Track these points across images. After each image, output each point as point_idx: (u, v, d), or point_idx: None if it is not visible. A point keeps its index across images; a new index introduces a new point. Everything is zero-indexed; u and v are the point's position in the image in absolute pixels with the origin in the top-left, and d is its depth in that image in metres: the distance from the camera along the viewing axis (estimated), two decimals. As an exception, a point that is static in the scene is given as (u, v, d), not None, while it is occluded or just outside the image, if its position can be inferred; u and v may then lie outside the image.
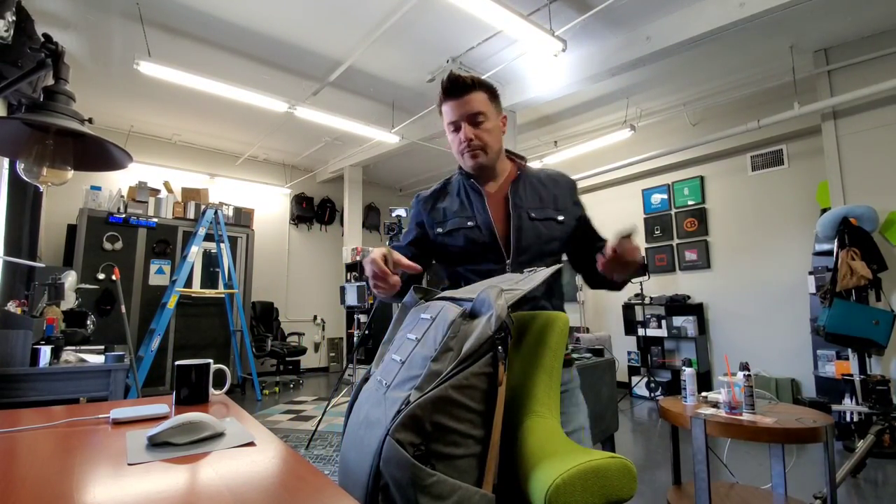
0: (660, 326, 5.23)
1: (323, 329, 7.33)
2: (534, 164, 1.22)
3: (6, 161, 2.85)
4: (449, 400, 0.61)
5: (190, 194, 5.77)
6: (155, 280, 5.19)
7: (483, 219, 1.08)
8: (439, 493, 0.56)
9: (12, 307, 2.42)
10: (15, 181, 3.10)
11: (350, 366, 5.15)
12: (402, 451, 0.57)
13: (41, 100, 0.86)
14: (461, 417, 0.61)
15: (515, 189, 1.12)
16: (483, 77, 1.10)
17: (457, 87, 1.05)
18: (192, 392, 1.03)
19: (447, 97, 1.07)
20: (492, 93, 1.10)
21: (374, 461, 0.58)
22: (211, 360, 1.08)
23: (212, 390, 1.07)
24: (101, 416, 0.91)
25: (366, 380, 0.81)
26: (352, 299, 5.62)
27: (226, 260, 5.36)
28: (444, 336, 0.67)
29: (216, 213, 5.25)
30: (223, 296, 5.44)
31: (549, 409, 0.70)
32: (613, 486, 0.57)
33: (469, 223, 1.10)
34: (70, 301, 2.84)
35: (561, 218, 1.11)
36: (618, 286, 1.09)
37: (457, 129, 1.08)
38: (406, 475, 0.56)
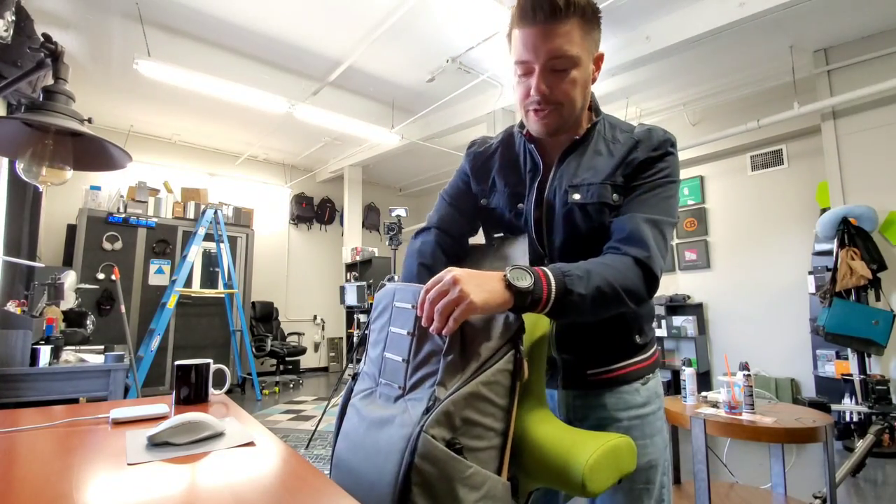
0: (660, 326, 5.23)
1: (323, 329, 7.33)
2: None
3: (6, 161, 2.85)
4: (478, 395, 0.62)
5: (189, 194, 5.76)
6: (154, 280, 5.19)
7: (528, 209, 0.85)
8: (475, 484, 0.59)
9: (12, 307, 2.42)
10: (14, 181, 3.09)
11: (350, 366, 5.15)
12: (439, 446, 0.58)
13: (41, 100, 0.86)
14: (486, 412, 0.63)
15: (566, 157, 0.83)
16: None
17: (540, 7, 0.71)
18: (191, 392, 1.03)
19: (523, 22, 0.73)
20: (589, 21, 0.77)
21: (406, 458, 0.58)
22: (211, 360, 1.08)
23: (211, 390, 1.07)
24: (100, 415, 0.91)
25: (355, 380, 0.79)
26: (351, 299, 5.62)
27: (225, 260, 5.36)
28: None
29: (216, 212, 5.24)
30: (223, 296, 5.44)
31: (538, 398, 0.75)
32: (624, 461, 0.66)
33: (519, 205, 0.86)
34: (70, 301, 2.84)
35: (616, 197, 0.78)
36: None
37: (524, 70, 0.77)
38: (445, 469, 0.58)
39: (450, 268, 0.64)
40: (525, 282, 0.64)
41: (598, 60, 0.84)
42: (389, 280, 3.55)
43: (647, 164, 0.79)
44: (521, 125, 0.89)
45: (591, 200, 0.79)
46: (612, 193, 0.79)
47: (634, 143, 0.80)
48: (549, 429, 0.70)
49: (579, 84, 0.78)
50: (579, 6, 0.74)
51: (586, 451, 0.63)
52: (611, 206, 0.79)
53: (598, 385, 0.84)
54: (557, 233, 0.82)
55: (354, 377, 0.80)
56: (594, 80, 0.83)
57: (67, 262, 4.85)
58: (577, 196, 0.80)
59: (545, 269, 0.67)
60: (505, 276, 0.64)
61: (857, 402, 3.30)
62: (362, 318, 5.87)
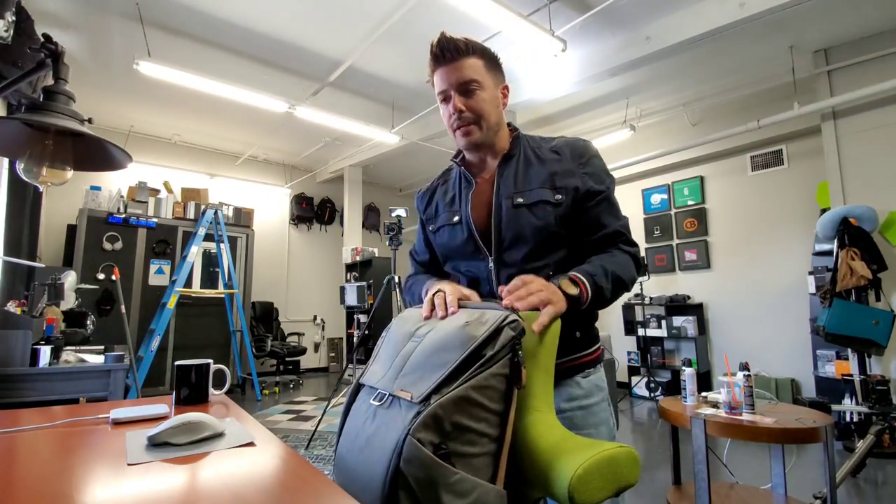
0: (659, 326, 5.23)
1: (323, 329, 7.33)
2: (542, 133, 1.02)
3: (6, 161, 2.85)
4: (469, 400, 0.61)
5: (190, 194, 5.77)
6: (155, 280, 5.19)
7: (465, 213, 0.97)
8: (461, 491, 0.57)
9: (12, 307, 2.42)
10: (15, 181, 3.10)
11: (350, 366, 5.14)
12: (424, 451, 0.57)
13: (41, 100, 0.86)
14: (479, 417, 0.62)
15: (503, 170, 0.97)
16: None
17: (447, 51, 0.92)
18: (191, 392, 1.03)
19: (437, 63, 0.94)
20: (489, 59, 0.96)
21: (393, 461, 0.58)
22: (211, 361, 1.08)
23: (212, 390, 1.07)
24: (100, 416, 0.91)
25: (360, 387, 0.80)
26: (351, 299, 5.62)
27: (225, 260, 5.36)
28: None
29: (216, 213, 5.25)
30: (223, 296, 5.44)
31: (547, 405, 0.72)
32: (623, 472, 0.62)
33: (455, 218, 0.99)
34: (70, 301, 2.84)
35: (558, 197, 0.92)
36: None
37: (446, 99, 0.95)
38: (430, 474, 0.57)
39: (533, 276, 0.77)
40: (574, 289, 0.79)
41: (504, 90, 1.00)
42: (389, 280, 3.55)
43: (587, 172, 0.95)
44: (455, 156, 1.05)
45: (533, 201, 0.93)
46: (553, 195, 0.92)
47: (556, 154, 0.97)
48: (548, 436, 0.67)
49: (488, 102, 0.94)
50: (477, 47, 0.93)
51: (577, 459, 0.59)
52: (552, 203, 0.92)
53: None
54: (507, 231, 0.93)
55: (357, 387, 0.80)
56: (504, 106, 1.00)
57: (67, 262, 4.85)
58: (520, 199, 0.93)
59: (576, 274, 0.82)
60: (560, 287, 0.78)
61: (857, 403, 3.30)
62: (362, 318, 5.86)
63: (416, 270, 1.13)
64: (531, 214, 0.91)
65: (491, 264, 0.94)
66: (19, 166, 0.94)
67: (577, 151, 0.97)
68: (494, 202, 0.94)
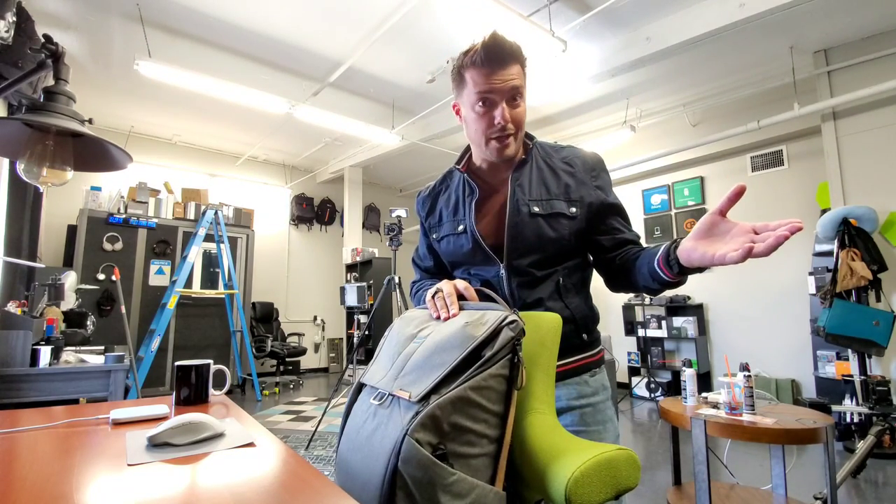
0: (660, 327, 5.23)
1: (323, 329, 7.33)
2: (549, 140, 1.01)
3: (6, 161, 2.85)
4: (467, 400, 0.61)
5: (190, 195, 5.77)
6: (155, 280, 5.20)
7: (469, 223, 0.96)
8: (459, 492, 0.57)
9: (12, 307, 2.42)
10: (15, 181, 3.10)
11: (350, 366, 5.14)
12: (422, 451, 0.57)
13: (41, 100, 0.86)
14: (477, 418, 0.62)
15: (518, 176, 0.95)
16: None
17: (501, 54, 0.85)
18: (192, 392, 1.03)
19: (488, 63, 0.85)
20: (525, 67, 0.92)
21: (391, 461, 0.58)
22: (211, 361, 1.08)
23: (212, 391, 1.07)
24: (100, 416, 0.91)
25: (361, 386, 0.80)
26: (352, 300, 5.62)
27: (226, 260, 5.36)
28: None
29: (216, 213, 5.25)
30: (223, 296, 5.44)
31: (548, 406, 0.72)
32: (622, 475, 0.61)
33: (459, 227, 0.98)
34: (70, 301, 2.84)
35: (573, 210, 0.93)
36: (671, 285, 0.84)
37: (487, 103, 0.87)
38: (427, 474, 0.57)
39: None
40: None
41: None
42: (389, 280, 3.55)
43: (598, 186, 0.96)
44: (458, 161, 1.03)
45: (549, 212, 0.93)
46: (568, 207, 0.93)
47: (569, 167, 0.97)
48: (546, 437, 0.67)
49: (525, 112, 0.92)
50: (522, 54, 0.90)
51: (575, 461, 0.59)
52: (568, 216, 0.93)
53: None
54: (521, 239, 0.92)
55: (360, 385, 0.80)
56: None
57: (68, 262, 4.85)
58: (536, 209, 0.93)
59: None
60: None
61: (857, 403, 3.30)
62: (362, 318, 5.87)
63: (421, 277, 1.12)
64: (547, 226, 0.92)
65: (502, 270, 0.93)
66: (20, 167, 0.94)
67: (589, 164, 0.98)
68: (509, 208, 0.93)
